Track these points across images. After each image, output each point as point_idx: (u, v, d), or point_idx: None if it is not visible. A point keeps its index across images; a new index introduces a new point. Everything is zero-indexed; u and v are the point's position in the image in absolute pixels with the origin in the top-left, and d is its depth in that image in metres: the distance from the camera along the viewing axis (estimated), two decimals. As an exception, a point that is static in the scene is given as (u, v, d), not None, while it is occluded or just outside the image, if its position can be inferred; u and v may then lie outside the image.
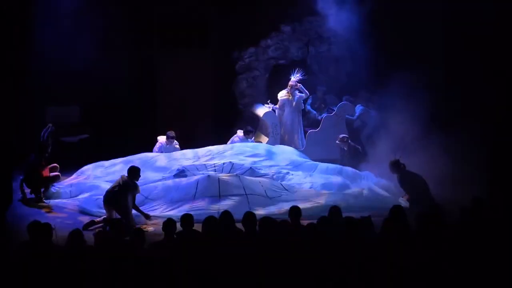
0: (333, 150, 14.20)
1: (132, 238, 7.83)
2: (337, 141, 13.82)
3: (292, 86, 14.87)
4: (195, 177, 11.99)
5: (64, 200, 12.15)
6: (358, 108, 15.17)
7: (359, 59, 15.22)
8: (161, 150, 13.96)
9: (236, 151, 13.62)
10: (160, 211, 11.36)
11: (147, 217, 11.00)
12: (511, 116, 13.01)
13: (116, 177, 11.53)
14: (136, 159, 13.23)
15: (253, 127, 14.81)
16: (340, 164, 13.62)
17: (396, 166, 11.97)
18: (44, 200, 12.16)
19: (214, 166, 12.82)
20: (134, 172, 11.08)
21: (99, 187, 12.25)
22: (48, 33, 14.47)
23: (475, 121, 12.62)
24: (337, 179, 12.67)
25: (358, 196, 11.91)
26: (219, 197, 11.44)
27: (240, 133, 14.45)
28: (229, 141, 14.42)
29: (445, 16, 13.74)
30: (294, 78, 14.92)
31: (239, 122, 15.60)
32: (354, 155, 13.64)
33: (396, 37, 14.55)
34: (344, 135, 13.94)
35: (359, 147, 13.88)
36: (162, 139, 14.12)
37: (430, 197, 11.65)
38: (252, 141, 14.35)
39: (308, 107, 15.59)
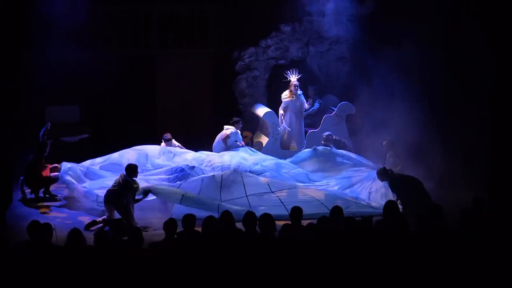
0: (332, 150, 14.19)
1: (131, 238, 7.82)
2: (322, 142, 13.86)
3: (294, 86, 14.79)
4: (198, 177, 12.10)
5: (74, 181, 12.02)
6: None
7: (358, 58, 15.27)
8: None
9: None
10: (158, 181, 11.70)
11: (147, 192, 11.16)
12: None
13: None
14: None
15: (239, 117, 14.78)
16: None
17: (384, 174, 11.88)
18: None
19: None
20: (132, 169, 11.10)
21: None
22: (48, 33, 14.46)
23: (475, 121, 12.61)
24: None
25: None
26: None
27: (229, 127, 14.24)
28: (218, 137, 14.17)
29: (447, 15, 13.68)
30: (294, 78, 14.86)
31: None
32: (339, 149, 13.74)
33: (395, 35, 14.53)
34: (328, 132, 13.97)
35: (344, 140, 13.99)
36: (163, 145, 13.96)
37: (427, 198, 11.43)
38: (243, 146, 14.24)
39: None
